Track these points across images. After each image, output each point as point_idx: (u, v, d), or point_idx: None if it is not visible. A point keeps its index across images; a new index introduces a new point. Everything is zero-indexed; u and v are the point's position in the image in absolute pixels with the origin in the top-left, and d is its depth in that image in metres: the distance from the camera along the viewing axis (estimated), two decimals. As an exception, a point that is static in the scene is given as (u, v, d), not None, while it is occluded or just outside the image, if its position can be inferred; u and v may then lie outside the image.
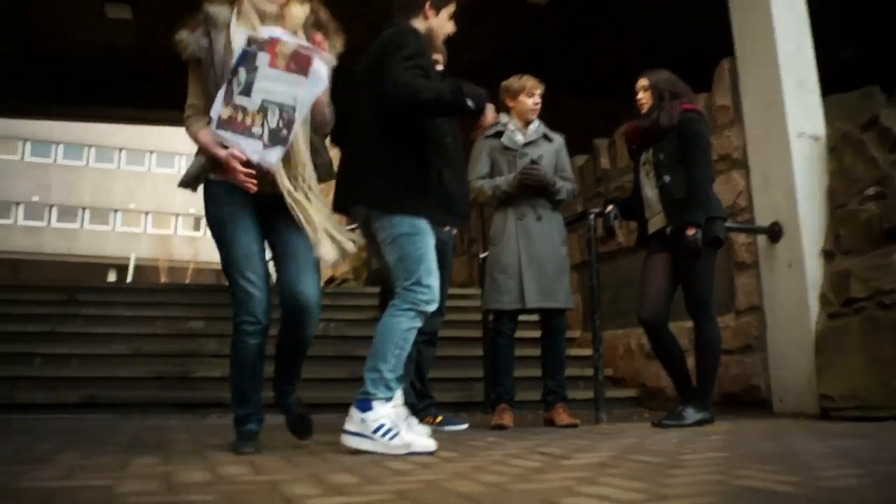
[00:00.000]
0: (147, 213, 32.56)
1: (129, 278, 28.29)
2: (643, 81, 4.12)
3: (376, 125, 2.86)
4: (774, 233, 4.66)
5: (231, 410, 2.95)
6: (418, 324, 2.80)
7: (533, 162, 4.11)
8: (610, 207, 4.21)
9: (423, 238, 2.82)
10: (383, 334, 2.73)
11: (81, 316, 6.58)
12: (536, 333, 4.37)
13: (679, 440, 3.04)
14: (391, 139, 2.85)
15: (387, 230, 2.82)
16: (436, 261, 2.84)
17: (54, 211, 31.31)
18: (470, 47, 7.72)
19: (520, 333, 4.29)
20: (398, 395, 2.84)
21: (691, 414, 3.82)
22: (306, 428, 3.08)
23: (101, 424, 4.25)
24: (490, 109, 3.38)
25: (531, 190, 4.09)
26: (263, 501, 1.69)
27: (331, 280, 13.02)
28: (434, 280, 2.80)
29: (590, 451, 2.68)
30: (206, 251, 29.81)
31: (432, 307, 2.80)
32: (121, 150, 32.22)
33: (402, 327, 2.73)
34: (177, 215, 32.77)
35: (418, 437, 2.72)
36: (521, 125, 4.26)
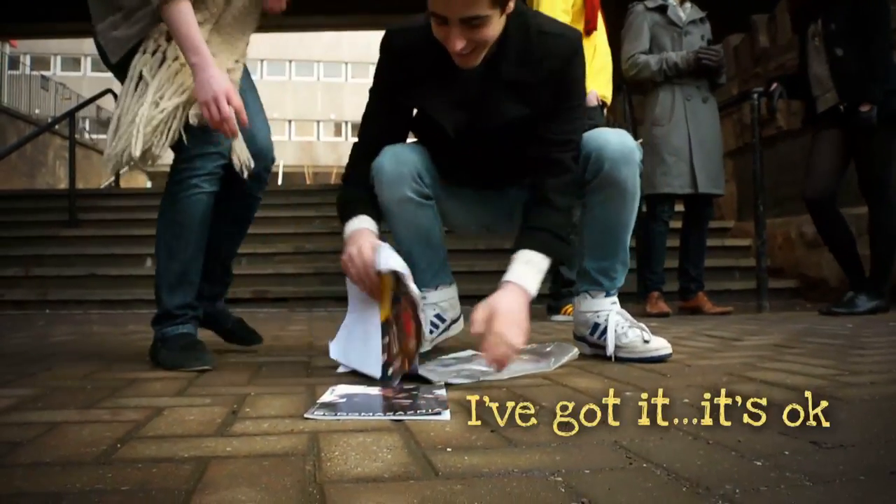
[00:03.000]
0: (290, 121, 33.69)
1: (280, 184, 29.68)
2: None
3: None
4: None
5: (159, 304, 2.03)
6: None
7: (710, 43, 3.95)
8: (775, 85, 3.97)
9: None
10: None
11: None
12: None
13: (855, 326, 2.92)
14: None
15: None
16: None
17: (205, 124, 33.00)
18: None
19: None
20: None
21: (864, 301, 3.64)
22: (252, 334, 2.34)
23: (272, 316, 4.58)
24: None
25: (698, 71, 3.91)
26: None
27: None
28: None
29: (760, 334, 2.63)
30: (348, 155, 30.67)
31: None
32: (262, 60, 33.19)
33: None
34: (318, 122, 33.73)
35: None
36: (678, 1, 4.03)
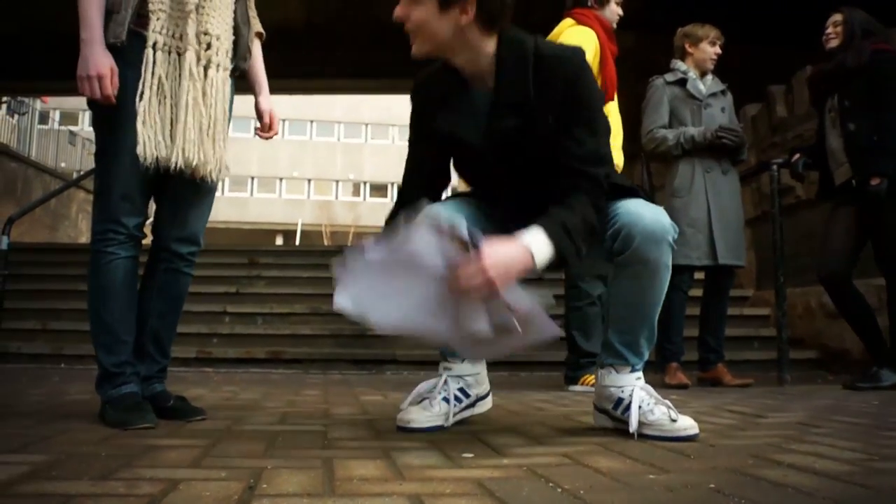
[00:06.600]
0: (310, 181, 34.11)
1: (297, 243, 29.86)
2: (837, 16, 3.85)
3: None
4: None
5: (98, 364, 2.18)
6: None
7: (728, 129, 3.92)
8: (797, 156, 4.03)
9: None
10: None
11: (263, 277, 7.05)
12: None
13: (881, 402, 2.86)
14: None
15: None
16: None
17: (226, 182, 33.41)
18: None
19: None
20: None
21: (888, 375, 3.58)
22: (194, 410, 2.24)
23: (287, 378, 4.56)
24: None
25: (716, 147, 3.93)
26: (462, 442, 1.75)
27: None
28: None
29: (783, 410, 2.58)
30: (366, 216, 31.01)
31: None
32: (284, 120, 33.82)
33: None
34: (337, 181, 34.13)
35: None
36: (699, 74, 4.09)
